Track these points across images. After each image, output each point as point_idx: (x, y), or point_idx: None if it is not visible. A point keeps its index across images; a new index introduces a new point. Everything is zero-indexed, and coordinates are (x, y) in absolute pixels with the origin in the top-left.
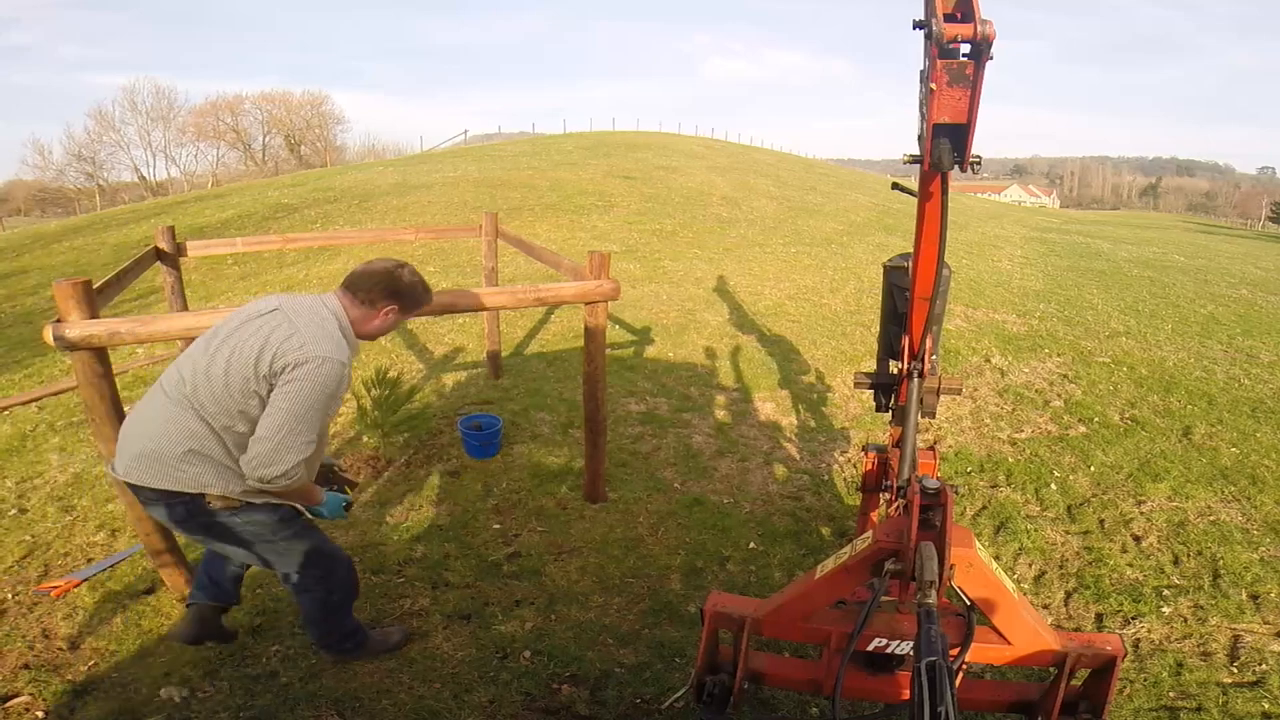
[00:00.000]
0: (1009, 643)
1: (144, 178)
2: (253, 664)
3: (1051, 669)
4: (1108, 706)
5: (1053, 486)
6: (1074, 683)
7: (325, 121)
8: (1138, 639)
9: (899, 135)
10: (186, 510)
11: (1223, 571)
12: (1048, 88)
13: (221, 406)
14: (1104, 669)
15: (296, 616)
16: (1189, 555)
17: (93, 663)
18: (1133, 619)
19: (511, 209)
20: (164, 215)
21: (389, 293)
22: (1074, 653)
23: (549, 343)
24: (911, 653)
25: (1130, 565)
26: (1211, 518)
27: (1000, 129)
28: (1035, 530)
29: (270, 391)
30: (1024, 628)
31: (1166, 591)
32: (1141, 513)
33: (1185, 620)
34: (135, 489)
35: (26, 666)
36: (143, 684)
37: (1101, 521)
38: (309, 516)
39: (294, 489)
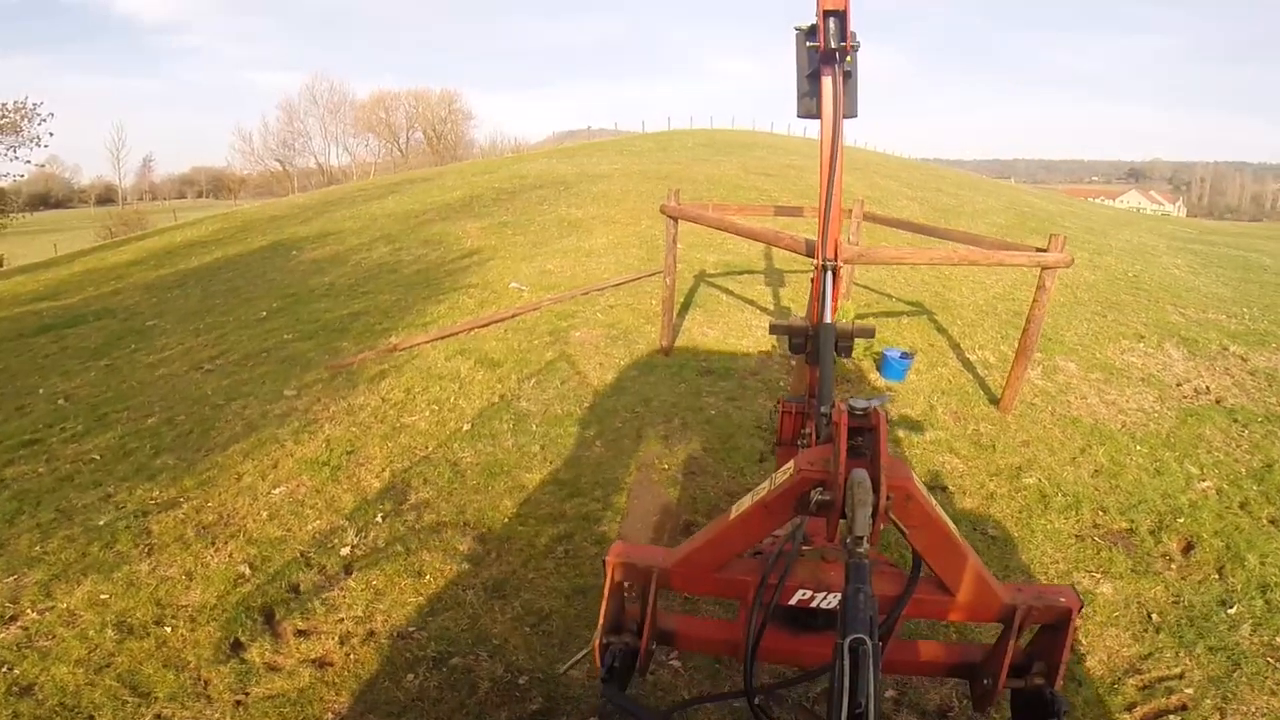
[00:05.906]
0: (950, 594)
1: (321, 166)
2: None
3: (999, 626)
4: (1063, 667)
5: None
6: (1020, 643)
7: (457, 117)
8: None
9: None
10: None
11: None
12: (1171, 85)
13: None
14: (1058, 624)
15: None
16: None
17: None
18: None
19: (694, 199)
20: (396, 193)
21: None
22: (1023, 605)
23: None
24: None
25: None
26: None
27: (1111, 128)
28: None
29: None
30: (968, 574)
31: None
32: None
33: None
34: None
35: None
36: None
37: None
38: None
39: None
